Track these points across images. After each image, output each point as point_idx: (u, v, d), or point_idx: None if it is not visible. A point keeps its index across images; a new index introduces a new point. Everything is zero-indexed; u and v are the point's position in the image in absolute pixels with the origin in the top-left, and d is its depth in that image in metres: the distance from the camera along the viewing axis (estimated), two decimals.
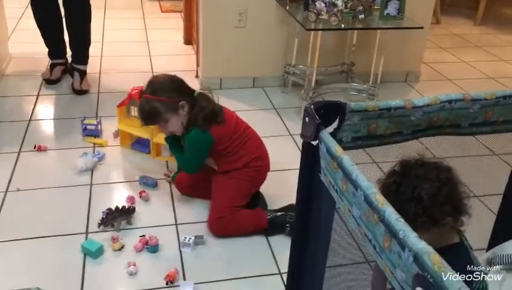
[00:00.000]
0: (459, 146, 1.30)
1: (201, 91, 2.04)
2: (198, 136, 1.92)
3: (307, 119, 1.05)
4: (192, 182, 2.16)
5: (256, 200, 2.13)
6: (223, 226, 1.96)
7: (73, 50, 3.20)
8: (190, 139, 1.94)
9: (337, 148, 0.94)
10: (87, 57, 3.23)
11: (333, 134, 1.09)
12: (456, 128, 1.17)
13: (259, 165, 2.04)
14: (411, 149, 1.26)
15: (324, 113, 1.07)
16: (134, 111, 2.50)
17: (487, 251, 1.47)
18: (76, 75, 3.16)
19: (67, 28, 3.15)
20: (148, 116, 1.95)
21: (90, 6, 3.09)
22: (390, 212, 0.75)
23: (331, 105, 1.09)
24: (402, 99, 1.13)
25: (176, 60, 3.78)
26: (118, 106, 2.52)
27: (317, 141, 1.05)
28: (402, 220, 0.74)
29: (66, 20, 3.12)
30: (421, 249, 0.69)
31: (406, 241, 0.70)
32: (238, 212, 1.97)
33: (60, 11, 3.16)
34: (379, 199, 0.78)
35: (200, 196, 2.18)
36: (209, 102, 1.97)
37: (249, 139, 2.04)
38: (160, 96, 1.89)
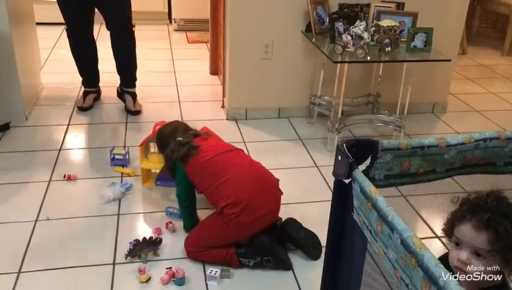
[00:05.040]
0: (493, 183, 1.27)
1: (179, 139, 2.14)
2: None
3: (339, 157, 1.05)
4: None
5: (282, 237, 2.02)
6: (193, 256, 2.02)
7: (122, 75, 3.35)
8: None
9: (371, 189, 0.93)
10: (135, 79, 3.37)
11: (365, 172, 1.09)
12: (491, 166, 1.16)
13: (233, 212, 1.89)
14: (441, 185, 1.24)
15: (356, 151, 1.07)
16: (154, 148, 2.45)
17: None
18: (129, 98, 3.32)
19: (115, 55, 3.28)
20: None
21: (133, 32, 3.23)
22: (429, 258, 0.73)
23: (364, 143, 1.09)
24: (435, 138, 1.12)
25: (202, 90, 3.83)
26: (140, 146, 2.49)
27: (349, 179, 1.05)
28: (441, 266, 0.72)
29: (113, 47, 3.24)
30: None
31: (447, 289, 0.69)
32: (206, 251, 1.99)
33: (95, 41, 3.29)
34: (417, 243, 0.77)
35: None
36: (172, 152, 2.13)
37: (225, 182, 1.96)
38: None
